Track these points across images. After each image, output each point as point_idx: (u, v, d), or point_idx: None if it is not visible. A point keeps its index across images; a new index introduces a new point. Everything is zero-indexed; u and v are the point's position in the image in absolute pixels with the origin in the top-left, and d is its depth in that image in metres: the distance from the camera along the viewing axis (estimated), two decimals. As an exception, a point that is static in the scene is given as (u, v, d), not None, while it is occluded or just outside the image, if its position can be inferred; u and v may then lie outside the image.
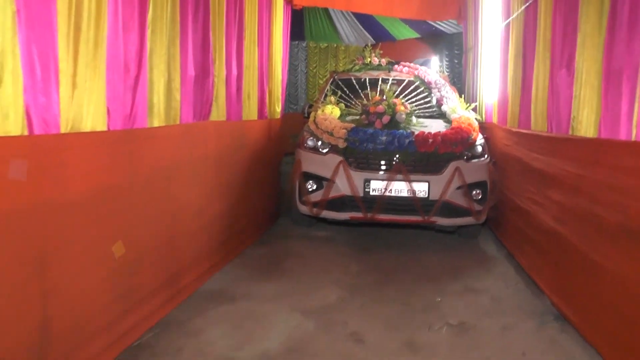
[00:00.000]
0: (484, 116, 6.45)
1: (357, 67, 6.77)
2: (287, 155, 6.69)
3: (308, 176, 5.06)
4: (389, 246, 5.25)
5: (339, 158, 4.92)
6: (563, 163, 3.52)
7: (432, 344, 3.12)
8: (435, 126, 5.28)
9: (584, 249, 3.14)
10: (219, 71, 4.19)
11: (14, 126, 2.05)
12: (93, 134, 2.57)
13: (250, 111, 5.09)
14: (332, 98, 5.91)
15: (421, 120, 5.49)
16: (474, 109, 6.04)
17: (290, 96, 12.27)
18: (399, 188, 4.82)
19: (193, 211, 3.81)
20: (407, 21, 9.81)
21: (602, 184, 2.91)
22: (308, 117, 5.91)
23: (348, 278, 4.26)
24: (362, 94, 6.06)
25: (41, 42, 2.18)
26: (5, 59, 1.97)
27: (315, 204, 5.01)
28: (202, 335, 3.12)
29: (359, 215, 4.90)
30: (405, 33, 10.79)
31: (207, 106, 4.02)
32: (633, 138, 2.62)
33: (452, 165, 4.85)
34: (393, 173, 4.80)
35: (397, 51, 9.94)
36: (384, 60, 6.79)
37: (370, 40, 11.19)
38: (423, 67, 6.70)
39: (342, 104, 5.89)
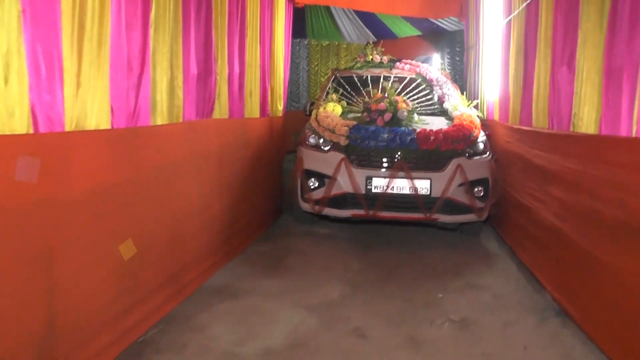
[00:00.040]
0: (485, 113, 6.46)
1: (358, 65, 6.78)
2: (289, 153, 6.71)
3: (310, 174, 5.08)
4: (391, 243, 5.28)
5: (340, 155, 4.94)
6: (564, 160, 3.54)
7: (434, 340, 3.14)
8: (437, 123, 5.29)
9: (585, 245, 3.16)
10: (222, 69, 4.21)
11: (20, 124, 2.07)
12: (97, 132, 2.59)
13: (252, 109, 5.11)
14: (334, 96, 5.93)
15: (423, 117, 5.49)
16: (476, 107, 6.04)
17: (292, 94, 12.29)
18: (401, 185, 4.83)
19: (196, 208, 3.83)
20: (408, 19, 9.81)
21: (602, 181, 2.93)
22: (310, 115, 5.93)
23: (350, 275, 4.28)
24: (363, 92, 6.06)
25: (46, 41, 2.20)
26: (11, 58, 2.00)
27: (317, 202, 5.03)
28: (206, 330, 3.15)
29: (361, 212, 4.92)
30: (407, 31, 10.79)
31: (210, 104, 4.04)
32: (633, 134, 2.64)
33: (454, 163, 4.86)
34: (395, 170, 4.82)
35: (399, 49, 9.94)
36: (385, 58, 6.80)
37: (372, 37, 11.19)
38: (425, 65, 6.70)
39: (344, 102, 5.91)
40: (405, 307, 3.63)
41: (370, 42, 7.55)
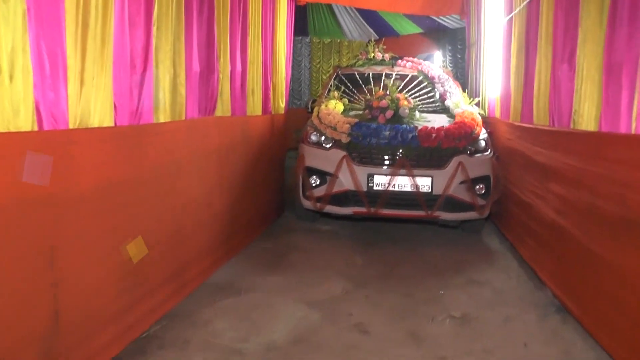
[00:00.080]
0: (486, 111, 6.47)
1: (360, 62, 6.79)
2: (291, 150, 6.72)
3: (311, 171, 5.09)
4: (393, 240, 5.29)
5: (342, 153, 4.95)
6: (565, 157, 3.56)
7: (435, 335, 3.17)
8: (439, 121, 5.28)
9: (585, 241, 3.17)
10: (224, 67, 4.23)
11: (25, 122, 2.09)
12: (100, 130, 2.61)
13: (254, 106, 5.13)
14: (336, 93, 5.93)
15: (424, 115, 5.48)
16: (477, 104, 6.05)
17: (294, 91, 12.31)
18: (403, 183, 4.84)
19: (198, 205, 3.85)
20: (410, 16, 9.82)
21: (602, 177, 2.94)
22: (312, 112, 5.93)
23: (352, 271, 4.30)
24: (365, 89, 6.07)
25: (50, 39, 2.22)
26: (16, 56, 2.01)
27: (319, 199, 5.04)
28: (209, 326, 3.17)
29: (362, 210, 4.93)
30: (409, 28, 10.80)
31: (212, 102, 4.06)
32: (633, 131, 2.65)
33: (455, 160, 4.87)
34: (396, 168, 4.83)
35: (401, 46, 9.96)
36: (387, 55, 6.81)
37: (374, 35, 11.20)
38: (426, 62, 6.71)
39: (346, 99, 5.91)
40: (407, 303, 3.65)
41: (372, 39, 7.55)
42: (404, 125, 4.98)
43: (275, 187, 6.00)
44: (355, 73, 6.55)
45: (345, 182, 4.90)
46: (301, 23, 10.22)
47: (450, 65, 11.29)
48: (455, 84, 6.30)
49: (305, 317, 3.36)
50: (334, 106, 5.54)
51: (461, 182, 4.85)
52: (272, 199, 5.89)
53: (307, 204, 5.18)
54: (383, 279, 4.12)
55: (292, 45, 7.10)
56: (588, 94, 3.17)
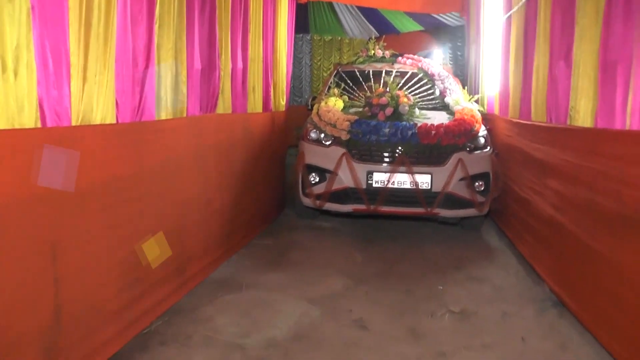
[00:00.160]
0: (485, 107, 6.48)
1: (361, 60, 6.80)
2: (292, 148, 6.74)
3: (311, 168, 5.10)
4: (393, 237, 5.32)
5: (342, 150, 4.96)
6: (562, 153, 3.58)
7: (434, 331, 3.19)
8: (438, 118, 5.29)
9: (583, 236, 3.20)
10: (225, 64, 4.25)
11: (28, 119, 2.12)
12: (103, 127, 2.63)
13: (255, 104, 5.15)
14: (336, 90, 5.94)
15: (424, 112, 5.48)
16: (477, 101, 6.06)
17: (294, 89, 12.31)
18: (402, 180, 4.85)
19: (200, 202, 3.88)
20: (410, 14, 9.81)
21: (598, 173, 2.97)
22: (312, 110, 5.94)
23: (352, 268, 4.33)
24: (365, 86, 6.07)
25: (54, 37, 2.25)
26: (20, 53, 2.04)
27: (318, 196, 5.05)
28: (210, 322, 3.20)
29: (362, 207, 4.94)
30: (409, 26, 10.79)
31: (214, 99, 4.08)
32: (627, 127, 2.68)
33: (454, 157, 4.88)
34: (396, 165, 4.84)
35: (401, 43, 9.96)
36: (387, 53, 6.81)
37: (374, 33, 11.18)
38: (427, 60, 6.72)
39: (346, 96, 5.92)
40: (407, 299, 3.68)
41: (373, 37, 7.55)
42: (404, 123, 4.98)
43: (276, 185, 6.02)
44: (356, 70, 6.56)
45: (344, 179, 4.91)
46: (302, 20, 10.21)
47: (451, 62, 11.29)
48: (455, 81, 6.29)
49: (305, 314, 3.39)
50: (334, 103, 5.55)
51: (461, 179, 4.85)
52: (273, 196, 5.91)
53: (307, 201, 5.19)
54: (383, 276, 4.15)
55: (293, 42, 7.12)
56: (584, 91, 3.21)
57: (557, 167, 3.67)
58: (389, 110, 5.12)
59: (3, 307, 2.04)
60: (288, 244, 4.93)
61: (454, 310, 3.48)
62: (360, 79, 6.35)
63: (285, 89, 6.46)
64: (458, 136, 4.88)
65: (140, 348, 2.85)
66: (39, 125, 2.18)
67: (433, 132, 4.83)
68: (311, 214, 5.75)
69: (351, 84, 6.26)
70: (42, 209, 2.23)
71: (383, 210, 4.92)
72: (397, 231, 5.52)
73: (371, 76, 6.26)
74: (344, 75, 6.51)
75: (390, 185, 4.84)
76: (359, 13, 10.34)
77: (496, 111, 5.94)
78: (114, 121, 2.74)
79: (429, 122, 5.00)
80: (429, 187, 4.84)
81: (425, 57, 7.02)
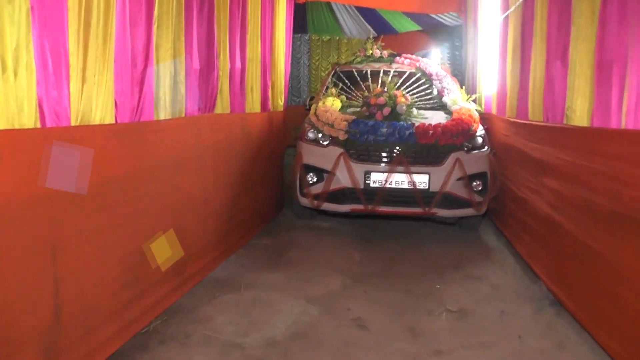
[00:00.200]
0: (483, 107, 6.50)
1: (359, 60, 6.79)
2: (290, 148, 6.74)
3: (309, 168, 5.10)
4: (391, 237, 5.33)
5: (339, 150, 4.96)
6: (559, 152, 3.60)
7: (432, 329, 3.21)
8: (436, 118, 5.29)
9: (580, 235, 3.21)
10: (223, 64, 4.26)
11: (28, 119, 2.13)
12: (102, 127, 2.64)
13: (253, 104, 5.15)
14: (334, 90, 5.94)
15: (422, 111, 5.48)
16: (475, 100, 6.07)
17: (293, 89, 12.30)
18: (400, 180, 4.85)
19: (198, 202, 3.88)
20: (409, 14, 9.82)
21: (596, 172, 2.98)
22: (310, 110, 5.94)
23: (351, 267, 4.34)
24: (363, 86, 6.07)
25: (53, 37, 2.26)
26: (20, 53, 2.05)
27: (316, 197, 5.05)
28: (209, 322, 3.21)
29: (359, 207, 4.94)
30: (407, 26, 10.79)
31: (212, 99, 4.09)
32: (623, 126, 2.70)
33: (452, 157, 4.88)
34: (394, 165, 4.84)
35: (399, 43, 9.95)
36: (385, 53, 6.81)
37: (373, 33, 11.19)
38: (424, 59, 6.72)
39: (344, 96, 5.92)
40: (405, 298, 3.69)
41: (371, 37, 7.56)
42: (402, 122, 4.98)
43: (274, 184, 6.03)
44: (354, 70, 6.55)
45: (342, 179, 4.91)
46: (300, 20, 10.22)
47: (448, 62, 11.30)
48: (453, 81, 6.29)
49: (304, 313, 3.40)
50: (332, 103, 5.55)
51: (458, 179, 4.85)
52: (272, 196, 5.92)
53: (305, 201, 5.19)
54: (382, 276, 4.16)
55: (291, 42, 7.12)
56: (580, 90, 3.23)
57: (555, 166, 3.69)
58: (386, 110, 5.11)
59: (3, 306, 2.05)
60: (286, 244, 4.94)
61: (451, 309, 3.50)
62: (358, 79, 6.35)
63: (283, 89, 6.46)
64: (456, 136, 4.88)
65: (140, 347, 2.86)
66: (39, 125, 2.19)
67: (431, 131, 4.84)
68: (309, 214, 5.76)
69: (349, 84, 6.26)
70: (41, 209, 2.23)
71: (381, 210, 4.93)
72: (397, 231, 5.54)
73: (369, 76, 6.25)
74: (341, 75, 6.51)
75: (388, 185, 4.84)
76: (357, 13, 10.35)
77: (494, 111, 5.95)
78: (113, 121, 2.75)
79: (427, 122, 5.00)
80: (427, 187, 4.84)
81: (423, 56, 7.02)
